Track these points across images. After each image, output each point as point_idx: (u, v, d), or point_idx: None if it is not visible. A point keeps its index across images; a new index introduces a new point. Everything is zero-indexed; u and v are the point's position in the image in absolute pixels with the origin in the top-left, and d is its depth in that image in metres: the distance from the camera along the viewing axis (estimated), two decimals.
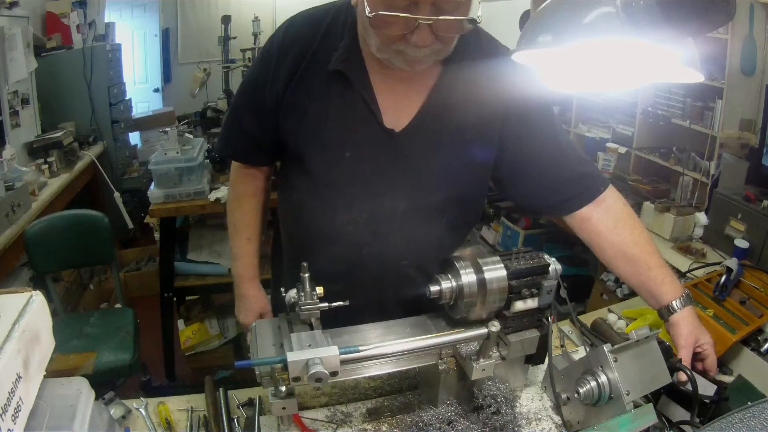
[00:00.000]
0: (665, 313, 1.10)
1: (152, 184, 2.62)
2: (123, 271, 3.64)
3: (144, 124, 4.85)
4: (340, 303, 0.89)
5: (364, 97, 1.03)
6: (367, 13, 0.85)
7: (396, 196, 1.09)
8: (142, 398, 1.09)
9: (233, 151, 1.24)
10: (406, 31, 0.88)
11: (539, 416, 1.03)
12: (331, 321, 0.93)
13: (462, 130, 1.08)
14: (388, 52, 0.94)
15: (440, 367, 0.98)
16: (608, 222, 1.14)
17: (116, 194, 3.84)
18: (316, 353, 0.80)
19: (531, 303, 0.95)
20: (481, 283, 0.91)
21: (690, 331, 1.07)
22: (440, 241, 1.16)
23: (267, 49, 1.10)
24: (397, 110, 1.06)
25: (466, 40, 1.02)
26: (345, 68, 1.02)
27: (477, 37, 1.07)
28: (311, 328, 0.88)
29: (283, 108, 1.08)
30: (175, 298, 2.78)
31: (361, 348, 0.86)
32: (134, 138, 4.88)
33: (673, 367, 1.00)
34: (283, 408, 0.87)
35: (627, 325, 1.46)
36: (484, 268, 0.91)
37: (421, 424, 0.99)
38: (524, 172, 1.15)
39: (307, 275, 0.86)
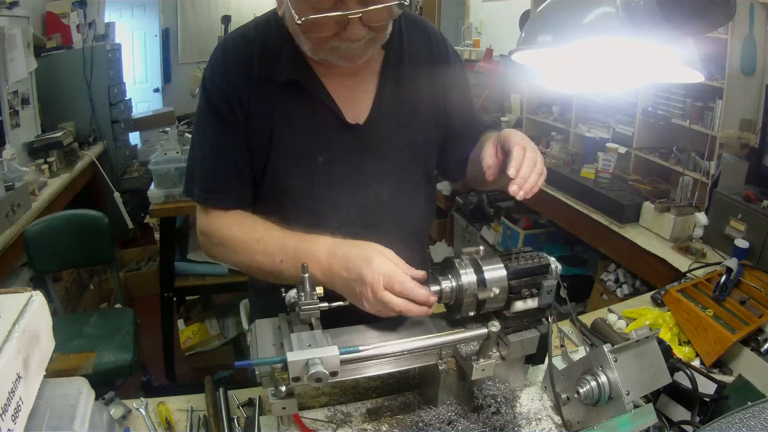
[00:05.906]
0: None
1: (152, 184, 2.63)
2: (123, 271, 3.64)
3: (144, 124, 4.86)
4: (340, 303, 0.89)
5: (322, 99, 1.03)
6: (296, 20, 0.84)
7: (377, 184, 1.09)
8: (142, 398, 1.09)
9: (236, 200, 1.07)
10: (338, 30, 0.87)
11: (539, 416, 1.03)
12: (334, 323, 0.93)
13: (416, 106, 1.10)
14: (323, 51, 0.93)
15: (440, 367, 0.98)
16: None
17: (116, 194, 3.84)
18: (316, 353, 0.80)
19: (531, 303, 0.95)
20: (481, 283, 0.91)
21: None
22: (426, 219, 1.24)
23: (210, 79, 1.04)
24: (355, 104, 1.06)
25: (398, 21, 1.04)
26: (295, 76, 1.01)
27: (406, 17, 1.09)
28: (311, 328, 0.88)
29: (249, 131, 1.04)
30: (175, 298, 2.79)
31: (361, 348, 0.86)
32: (134, 138, 4.89)
33: (673, 367, 1.00)
34: (283, 408, 0.87)
35: (627, 325, 1.46)
36: (484, 268, 0.91)
37: (421, 424, 0.99)
38: (455, 140, 1.19)
39: (307, 275, 0.86)
